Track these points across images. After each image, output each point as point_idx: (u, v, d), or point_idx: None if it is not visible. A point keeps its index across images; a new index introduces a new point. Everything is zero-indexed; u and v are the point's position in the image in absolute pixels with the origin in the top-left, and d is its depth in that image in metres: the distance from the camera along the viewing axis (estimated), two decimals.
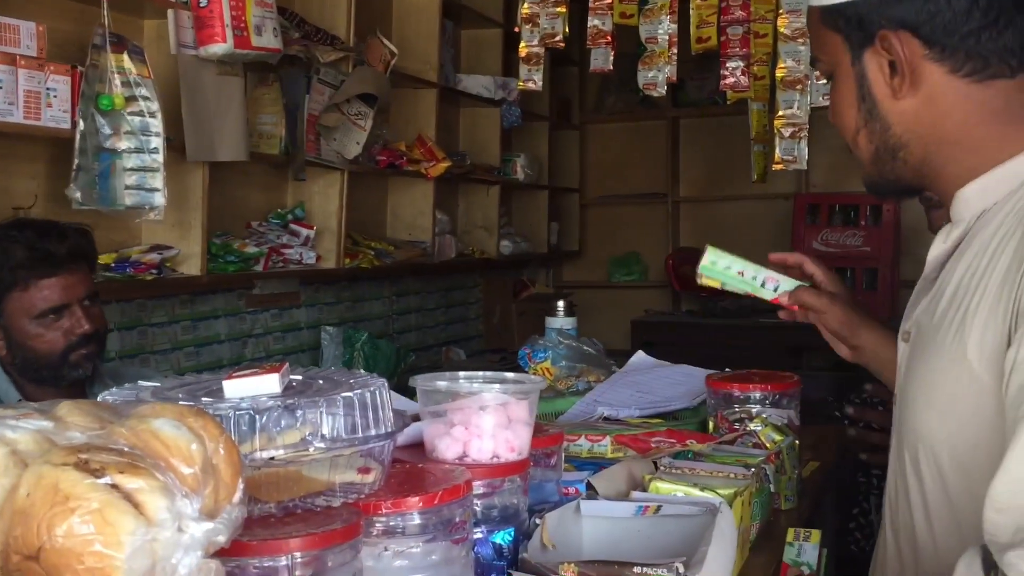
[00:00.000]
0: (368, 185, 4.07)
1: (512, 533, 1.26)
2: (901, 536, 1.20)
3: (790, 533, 1.47)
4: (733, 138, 5.03)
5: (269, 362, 1.15)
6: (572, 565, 1.13)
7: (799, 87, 3.26)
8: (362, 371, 1.23)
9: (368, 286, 4.27)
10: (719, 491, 1.35)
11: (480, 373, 1.38)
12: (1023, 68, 1.10)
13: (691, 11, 3.41)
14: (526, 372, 2.38)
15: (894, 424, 1.23)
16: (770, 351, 4.38)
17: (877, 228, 4.81)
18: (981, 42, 1.09)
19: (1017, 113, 1.11)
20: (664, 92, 3.48)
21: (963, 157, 1.14)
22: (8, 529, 0.73)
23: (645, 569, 1.10)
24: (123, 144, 2.55)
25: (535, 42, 3.50)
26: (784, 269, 1.60)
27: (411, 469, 1.22)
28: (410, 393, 1.36)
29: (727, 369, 1.99)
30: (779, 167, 3.40)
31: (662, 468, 1.50)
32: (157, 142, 2.58)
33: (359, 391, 1.09)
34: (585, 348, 2.49)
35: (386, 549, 1.09)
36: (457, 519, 1.13)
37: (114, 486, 0.72)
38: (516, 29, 3.59)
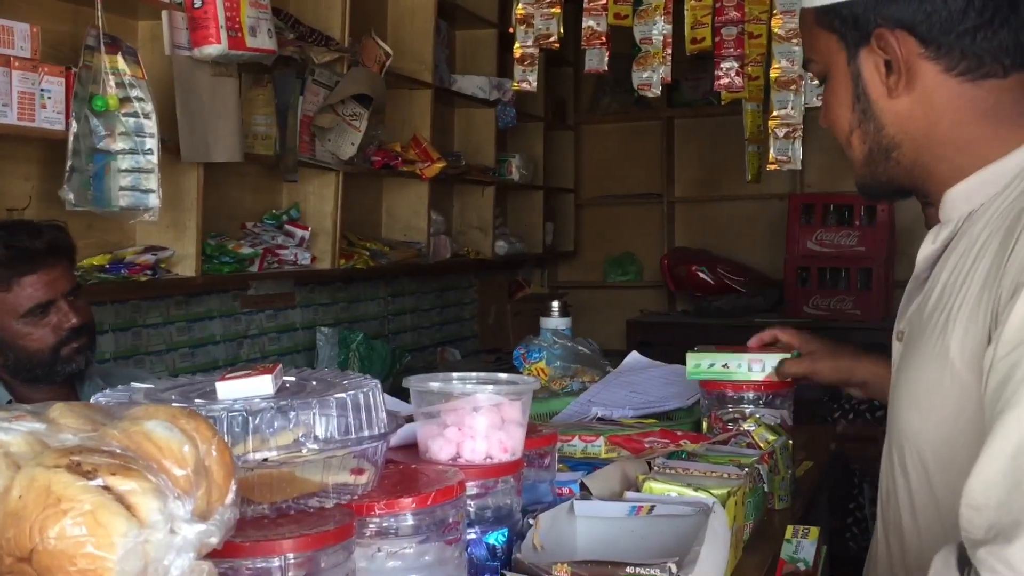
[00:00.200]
0: (363, 186, 4.07)
1: (506, 534, 1.27)
2: (891, 532, 1.21)
3: (789, 530, 1.47)
4: (728, 138, 5.03)
5: (264, 363, 1.15)
6: (565, 565, 1.13)
7: (793, 87, 3.27)
8: (355, 372, 1.23)
9: (363, 287, 4.27)
10: (712, 491, 1.36)
11: (473, 374, 1.38)
12: (1016, 68, 1.11)
13: (685, 12, 3.41)
14: (521, 372, 2.39)
15: (887, 423, 1.23)
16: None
17: (871, 228, 4.81)
18: (976, 41, 1.09)
19: (1006, 113, 1.12)
20: (659, 93, 3.49)
21: (953, 157, 1.14)
22: (0, 531, 0.73)
23: (638, 569, 1.10)
24: (117, 145, 2.54)
25: (530, 43, 3.50)
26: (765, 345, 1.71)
27: (404, 470, 1.22)
28: (406, 394, 1.36)
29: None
30: (773, 167, 3.41)
31: (656, 468, 1.50)
32: (151, 143, 2.58)
33: (352, 392, 1.09)
34: (580, 348, 2.49)
35: (379, 550, 1.09)
36: (450, 520, 1.13)
37: (106, 488, 0.72)
38: (511, 30, 3.59)
